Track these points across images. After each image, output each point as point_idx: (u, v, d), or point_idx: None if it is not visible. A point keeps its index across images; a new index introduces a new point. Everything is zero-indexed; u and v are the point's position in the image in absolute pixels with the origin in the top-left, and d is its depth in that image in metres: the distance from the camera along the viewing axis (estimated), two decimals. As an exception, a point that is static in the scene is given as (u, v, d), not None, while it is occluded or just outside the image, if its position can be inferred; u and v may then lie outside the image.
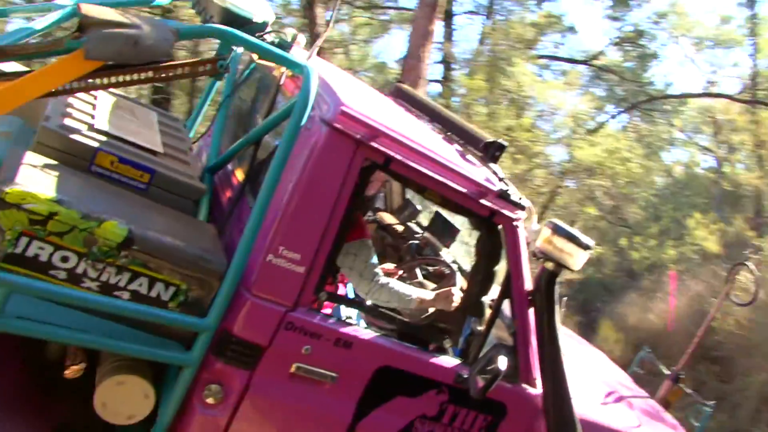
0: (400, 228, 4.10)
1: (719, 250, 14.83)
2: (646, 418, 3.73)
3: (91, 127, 2.57)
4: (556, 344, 2.85)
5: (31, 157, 2.29)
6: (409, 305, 2.91)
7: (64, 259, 2.13)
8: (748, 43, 22.19)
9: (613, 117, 15.09)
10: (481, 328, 2.90)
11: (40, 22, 2.56)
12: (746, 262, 4.37)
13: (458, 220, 3.77)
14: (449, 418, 2.82)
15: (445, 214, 3.84)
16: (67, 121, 2.51)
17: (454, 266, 3.63)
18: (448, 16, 12.63)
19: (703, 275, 12.18)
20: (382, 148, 2.47)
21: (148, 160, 2.56)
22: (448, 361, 2.78)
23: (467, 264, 3.54)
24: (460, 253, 3.87)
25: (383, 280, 2.83)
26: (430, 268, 3.73)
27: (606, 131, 13.11)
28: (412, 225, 4.12)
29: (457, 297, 2.94)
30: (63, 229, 2.09)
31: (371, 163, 2.49)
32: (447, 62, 12.41)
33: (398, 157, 2.51)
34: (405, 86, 3.84)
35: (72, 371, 2.49)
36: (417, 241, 3.89)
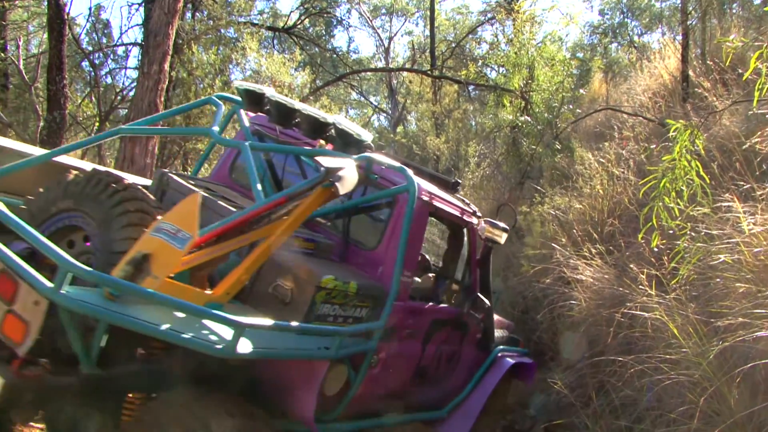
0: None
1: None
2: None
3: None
4: (488, 285, 5.16)
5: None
6: None
7: (332, 309, 3.65)
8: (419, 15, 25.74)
9: (322, 87, 16.85)
10: (454, 286, 5.07)
11: None
12: (509, 203, 7.15)
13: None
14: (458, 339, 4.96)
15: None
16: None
17: None
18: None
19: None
20: (436, 204, 4.38)
21: (306, 234, 3.99)
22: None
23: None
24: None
25: None
26: None
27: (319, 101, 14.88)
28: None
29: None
30: (336, 294, 3.60)
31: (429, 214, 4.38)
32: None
33: (440, 206, 4.44)
34: None
35: None
36: None
